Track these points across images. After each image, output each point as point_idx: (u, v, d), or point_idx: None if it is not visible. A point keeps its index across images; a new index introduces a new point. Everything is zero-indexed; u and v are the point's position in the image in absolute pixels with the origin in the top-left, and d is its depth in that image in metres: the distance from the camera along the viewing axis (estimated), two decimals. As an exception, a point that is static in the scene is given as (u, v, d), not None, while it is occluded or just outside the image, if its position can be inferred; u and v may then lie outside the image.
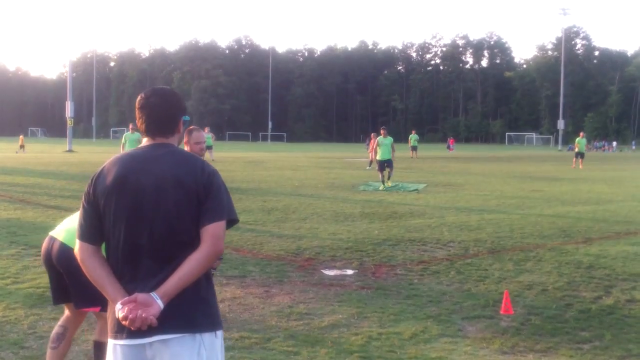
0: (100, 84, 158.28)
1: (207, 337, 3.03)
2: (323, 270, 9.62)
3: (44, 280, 8.70)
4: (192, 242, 2.99)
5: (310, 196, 20.42)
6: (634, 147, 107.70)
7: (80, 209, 3.16)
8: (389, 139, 25.01)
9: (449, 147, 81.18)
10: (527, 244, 12.12)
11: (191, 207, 3.00)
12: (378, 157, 24.92)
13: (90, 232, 3.09)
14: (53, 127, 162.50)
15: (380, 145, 24.91)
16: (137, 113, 3.18)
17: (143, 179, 3.02)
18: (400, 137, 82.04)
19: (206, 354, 3.02)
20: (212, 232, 2.99)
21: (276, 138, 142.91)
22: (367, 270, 9.66)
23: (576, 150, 42.76)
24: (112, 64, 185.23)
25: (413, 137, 54.80)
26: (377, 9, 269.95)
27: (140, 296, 2.88)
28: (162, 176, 3.01)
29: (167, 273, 2.95)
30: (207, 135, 41.86)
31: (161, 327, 2.90)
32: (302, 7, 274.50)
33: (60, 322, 5.30)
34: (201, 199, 3.01)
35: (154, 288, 2.93)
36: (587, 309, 7.64)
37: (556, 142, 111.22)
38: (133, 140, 25.50)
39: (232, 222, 3.13)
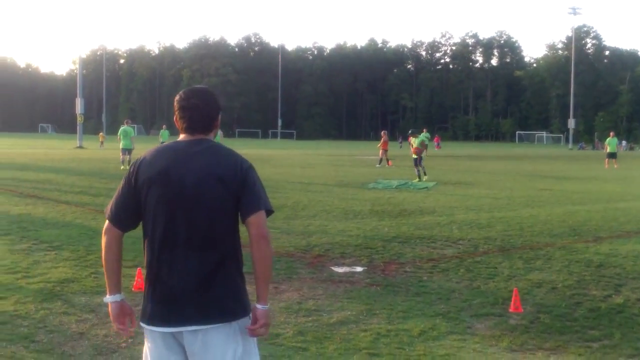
0: (110, 81, 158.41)
1: (242, 322, 3.23)
2: (332, 267, 9.63)
3: (54, 275, 8.76)
4: (229, 233, 3.26)
5: (319, 193, 20.44)
6: None
7: (119, 190, 3.32)
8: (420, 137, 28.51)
9: (436, 145, 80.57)
10: (537, 242, 12.09)
11: (230, 200, 3.20)
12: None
13: (123, 216, 3.28)
14: (63, 124, 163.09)
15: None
16: (178, 112, 3.35)
17: (185, 173, 3.19)
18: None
19: (242, 338, 3.23)
20: (254, 221, 3.21)
21: (286, 135, 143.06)
22: (376, 268, 9.66)
23: (607, 150, 42.17)
24: (121, 61, 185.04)
25: (424, 135, 55.18)
26: (386, 7, 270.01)
27: (261, 316, 3.23)
28: (204, 171, 3.19)
29: (202, 260, 3.18)
30: (163, 131, 41.91)
31: (199, 317, 3.13)
32: (311, 4, 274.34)
33: None
34: (239, 193, 3.21)
35: (190, 274, 3.16)
36: (597, 308, 7.62)
37: (567, 140, 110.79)
38: (126, 133, 30.74)
39: (268, 212, 3.30)
